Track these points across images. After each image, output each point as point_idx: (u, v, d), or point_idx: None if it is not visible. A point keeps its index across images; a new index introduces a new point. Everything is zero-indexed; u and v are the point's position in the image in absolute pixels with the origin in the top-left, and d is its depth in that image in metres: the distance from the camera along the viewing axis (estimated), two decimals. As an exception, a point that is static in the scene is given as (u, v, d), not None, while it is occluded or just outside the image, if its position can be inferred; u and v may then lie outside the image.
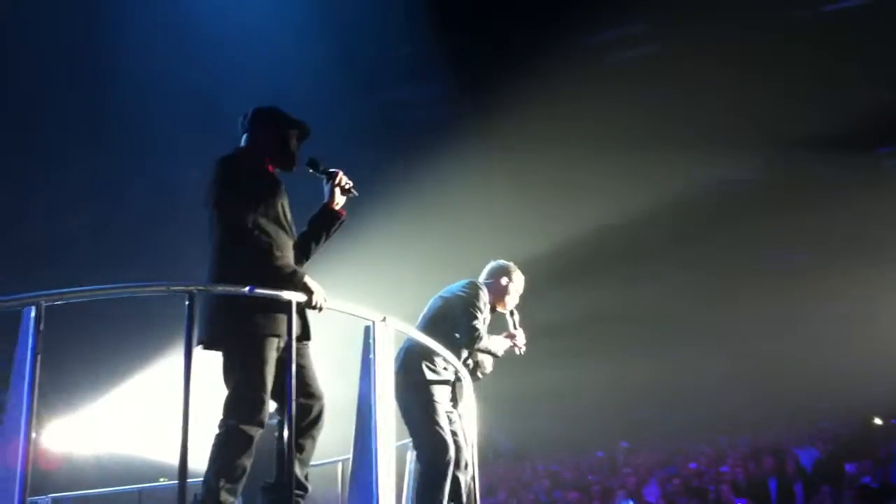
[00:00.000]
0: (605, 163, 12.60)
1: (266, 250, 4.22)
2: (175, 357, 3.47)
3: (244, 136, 4.58)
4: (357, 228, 4.90)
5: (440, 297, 6.11)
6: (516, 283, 6.32)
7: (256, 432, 4.06)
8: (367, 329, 4.54)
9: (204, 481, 4.02)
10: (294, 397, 4.04)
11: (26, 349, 3.02)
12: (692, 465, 13.86)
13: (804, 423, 15.56)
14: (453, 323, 5.92)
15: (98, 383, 13.46)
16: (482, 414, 6.41)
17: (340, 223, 4.64)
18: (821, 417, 15.64)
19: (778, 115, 11.90)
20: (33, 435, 2.99)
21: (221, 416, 4.08)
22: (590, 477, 14.83)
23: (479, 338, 5.89)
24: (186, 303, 3.55)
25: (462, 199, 12.98)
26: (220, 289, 4.03)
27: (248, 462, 4.03)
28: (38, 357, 3.01)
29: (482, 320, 5.96)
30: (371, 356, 4.48)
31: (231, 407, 4.07)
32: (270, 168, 4.51)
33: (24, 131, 11.74)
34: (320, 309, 4.31)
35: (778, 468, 12.27)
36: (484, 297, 6.03)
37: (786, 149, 12.53)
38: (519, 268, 6.38)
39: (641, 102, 11.97)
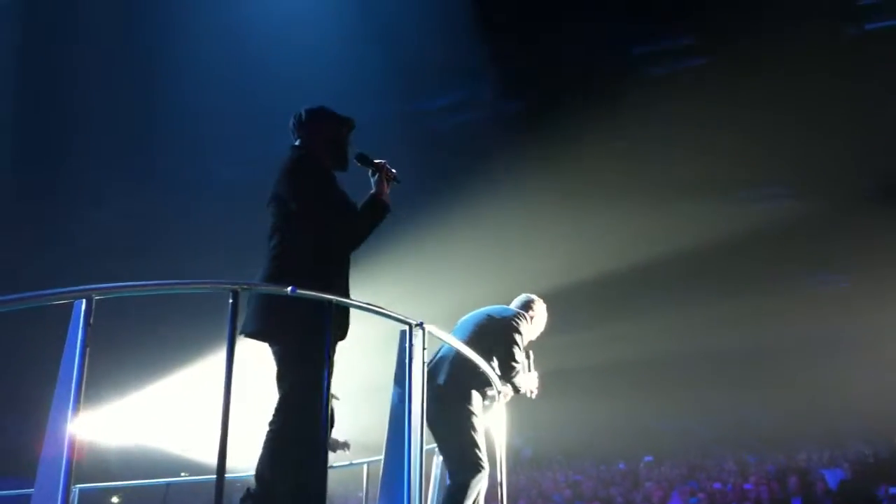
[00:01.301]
0: (651, 183, 12.54)
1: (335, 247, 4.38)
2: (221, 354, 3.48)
3: (297, 138, 4.66)
4: (396, 234, 4.93)
5: (488, 315, 6.12)
6: (540, 318, 6.36)
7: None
8: (402, 333, 4.55)
9: (257, 476, 4.10)
10: (329, 396, 4.06)
11: (75, 342, 3.04)
12: (716, 485, 13.75)
13: (832, 443, 15.42)
14: (495, 346, 5.92)
15: (142, 376, 13.58)
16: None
17: (386, 212, 4.69)
18: (848, 438, 15.49)
19: (821, 143, 11.77)
20: (79, 427, 3.02)
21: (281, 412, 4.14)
22: (611, 489, 14.75)
23: (515, 373, 5.97)
24: (230, 301, 3.56)
25: (503, 211, 12.95)
26: (264, 287, 4.07)
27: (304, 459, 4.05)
28: (87, 350, 3.04)
29: (520, 354, 6.02)
30: (406, 360, 4.49)
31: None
32: (326, 166, 4.59)
33: (73, 132, 11.91)
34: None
35: (803, 488, 12.17)
36: (527, 331, 6.09)
37: (827, 176, 12.41)
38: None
39: (687, 120, 11.89)
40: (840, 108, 11.29)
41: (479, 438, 5.75)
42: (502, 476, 5.83)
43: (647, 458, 16.52)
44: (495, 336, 5.97)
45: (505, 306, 6.26)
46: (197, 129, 12.08)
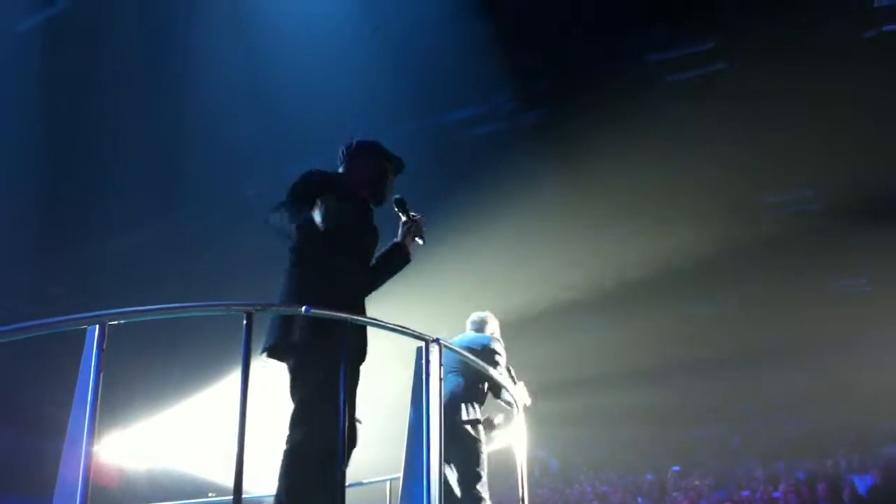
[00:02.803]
0: (672, 186, 12.48)
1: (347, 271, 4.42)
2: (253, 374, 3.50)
3: (343, 165, 4.73)
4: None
5: (467, 348, 6.40)
6: (495, 332, 6.86)
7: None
8: (419, 350, 4.57)
9: (276, 497, 4.11)
10: (346, 417, 4.06)
11: (89, 367, 3.08)
12: (745, 493, 13.65)
13: (861, 449, 15.26)
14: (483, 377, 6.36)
15: (161, 398, 13.66)
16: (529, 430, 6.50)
17: (406, 264, 4.79)
18: (878, 443, 15.32)
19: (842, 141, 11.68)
20: (94, 452, 3.05)
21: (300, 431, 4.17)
22: (639, 500, 14.68)
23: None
24: (244, 322, 3.59)
25: (521, 223, 12.95)
26: (277, 308, 4.11)
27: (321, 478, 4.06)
28: (101, 375, 3.08)
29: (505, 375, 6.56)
30: (423, 376, 4.51)
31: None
32: (363, 198, 4.63)
33: (93, 151, 12.04)
34: None
35: (833, 494, 12.05)
36: (502, 351, 6.69)
37: (851, 176, 12.30)
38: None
39: (708, 122, 11.83)
40: (861, 111, 11.24)
41: (484, 472, 6.19)
42: (524, 491, 5.86)
43: (675, 468, 16.42)
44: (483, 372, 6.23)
45: (473, 335, 6.78)
46: (218, 150, 12.18)
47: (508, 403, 6.52)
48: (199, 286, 11.99)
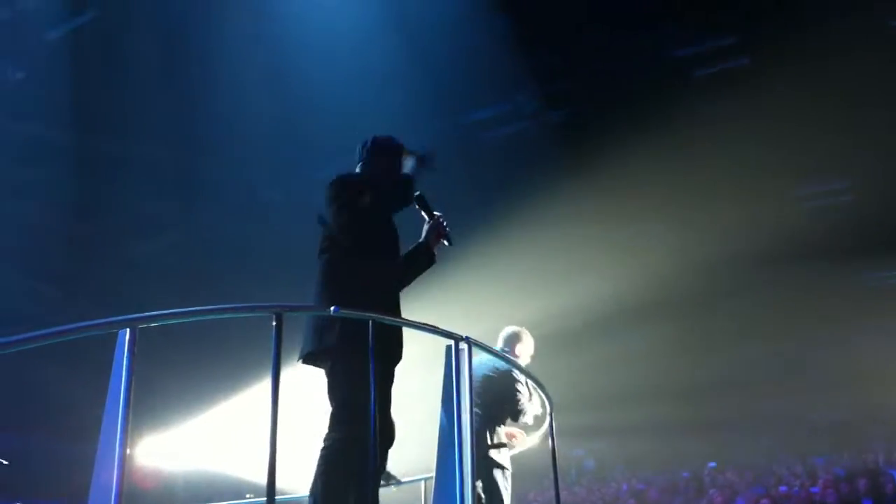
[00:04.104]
0: (701, 187, 12.39)
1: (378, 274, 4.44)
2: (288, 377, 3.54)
3: (361, 164, 4.75)
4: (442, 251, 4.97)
5: (488, 377, 6.61)
6: (527, 348, 6.87)
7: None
8: (448, 349, 4.57)
9: (310, 495, 4.14)
10: (376, 415, 4.06)
11: (121, 371, 3.11)
12: (782, 489, 13.51)
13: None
14: (505, 403, 6.63)
15: (196, 401, 13.77)
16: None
17: (431, 264, 4.79)
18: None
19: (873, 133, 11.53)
20: (127, 456, 3.07)
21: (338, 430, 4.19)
22: (676, 498, 14.59)
23: (525, 413, 6.66)
24: (274, 324, 3.61)
25: (546, 225, 12.90)
26: (307, 310, 4.13)
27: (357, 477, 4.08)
28: (133, 378, 3.11)
29: (525, 398, 6.66)
30: (453, 375, 4.50)
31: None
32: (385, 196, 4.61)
33: (118, 156, 12.16)
34: None
35: (874, 490, 11.89)
36: (522, 377, 6.65)
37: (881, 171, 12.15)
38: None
39: (734, 121, 11.71)
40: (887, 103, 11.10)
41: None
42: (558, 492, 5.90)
43: (711, 465, 16.31)
44: (502, 393, 6.59)
45: (491, 363, 6.70)
46: (242, 153, 12.25)
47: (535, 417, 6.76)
48: (223, 290, 12.05)
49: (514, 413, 6.62)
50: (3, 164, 11.79)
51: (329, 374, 4.33)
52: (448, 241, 4.80)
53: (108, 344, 3.20)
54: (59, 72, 11.08)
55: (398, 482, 6.88)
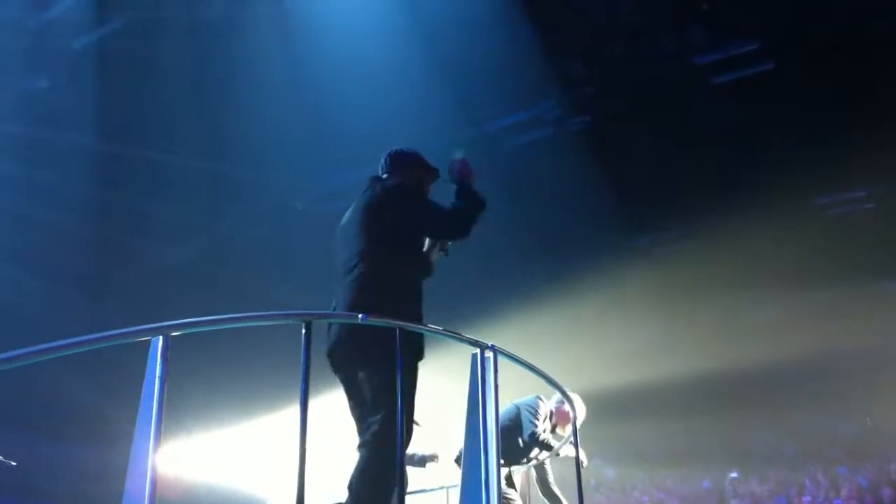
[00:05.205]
0: (731, 190, 12.33)
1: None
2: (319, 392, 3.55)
3: (384, 174, 4.87)
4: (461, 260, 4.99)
5: (515, 405, 7.50)
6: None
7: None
8: (474, 357, 4.57)
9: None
10: (403, 419, 4.09)
11: (153, 379, 3.13)
12: (806, 499, 13.40)
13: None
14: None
15: (221, 411, 13.81)
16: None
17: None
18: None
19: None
20: (159, 464, 3.09)
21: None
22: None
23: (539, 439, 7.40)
24: (303, 331, 3.62)
25: (567, 227, 12.90)
26: (335, 316, 4.23)
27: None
28: (165, 386, 3.13)
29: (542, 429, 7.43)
30: (479, 383, 4.51)
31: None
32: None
33: (145, 164, 12.26)
34: None
35: (897, 501, 11.80)
36: (543, 409, 7.53)
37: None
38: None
39: (756, 126, 11.67)
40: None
41: None
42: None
43: (733, 475, 16.19)
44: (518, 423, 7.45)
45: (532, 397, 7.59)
46: (268, 159, 12.32)
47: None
48: (250, 298, 12.11)
49: (537, 444, 7.38)
50: (29, 170, 11.92)
51: (367, 380, 4.36)
52: (444, 251, 4.84)
53: (127, 351, 3.22)
54: (86, 80, 11.19)
55: (435, 458, 7.08)
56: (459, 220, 4.64)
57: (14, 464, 10.17)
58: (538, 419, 7.45)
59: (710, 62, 11.33)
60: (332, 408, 4.96)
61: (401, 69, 11.00)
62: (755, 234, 12.82)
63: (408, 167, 4.84)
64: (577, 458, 6.14)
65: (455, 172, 4.78)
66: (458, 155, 4.83)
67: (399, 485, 4.04)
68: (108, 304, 13.33)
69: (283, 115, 11.44)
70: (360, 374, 4.38)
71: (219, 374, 12.76)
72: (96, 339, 3.05)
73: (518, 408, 7.52)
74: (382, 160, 4.90)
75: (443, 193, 4.77)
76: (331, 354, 4.46)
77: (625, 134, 12.17)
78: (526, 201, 12.47)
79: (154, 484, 3.04)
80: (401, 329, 4.13)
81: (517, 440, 7.37)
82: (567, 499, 7.52)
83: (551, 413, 7.67)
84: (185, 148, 12.00)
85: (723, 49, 11.16)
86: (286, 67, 11.10)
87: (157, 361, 3.13)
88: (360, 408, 4.42)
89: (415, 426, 4.40)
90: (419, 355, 4.43)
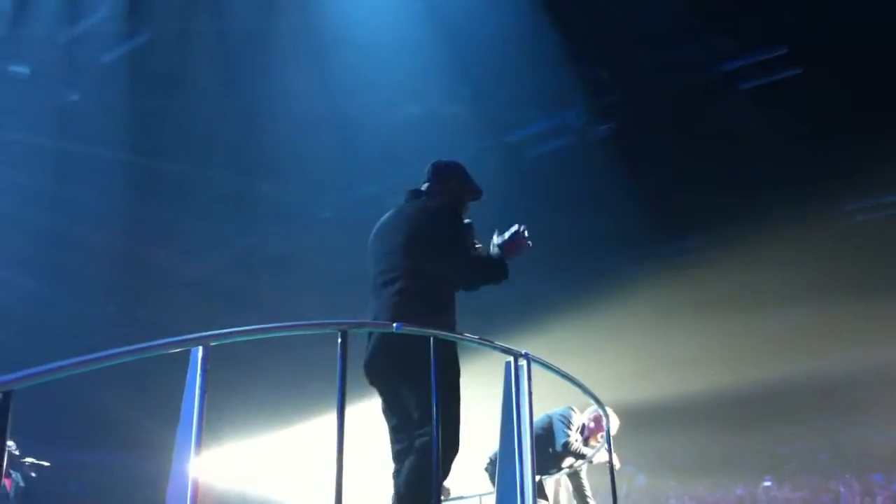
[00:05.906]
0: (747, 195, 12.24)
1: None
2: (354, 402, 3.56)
3: (427, 184, 4.86)
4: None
5: (547, 415, 7.74)
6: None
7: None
8: (507, 365, 4.56)
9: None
10: (438, 425, 4.06)
11: (194, 388, 3.15)
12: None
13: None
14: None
15: (256, 420, 13.86)
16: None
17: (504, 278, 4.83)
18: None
19: None
20: (200, 474, 3.10)
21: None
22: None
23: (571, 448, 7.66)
24: (339, 341, 3.63)
25: (593, 238, 12.85)
26: (371, 325, 4.26)
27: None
28: (206, 396, 3.14)
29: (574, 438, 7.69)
30: (513, 392, 4.50)
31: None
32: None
33: (173, 176, 12.35)
34: None
35: (934, 507, 11.66)
36: (576, 420, 7.79)
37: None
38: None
39: (782, 129, 11.59)
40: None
41: None
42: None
43: (766, 482, 16.06)
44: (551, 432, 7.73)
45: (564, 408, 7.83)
46: (296, 171, 12.37)
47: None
48: (279, 308, 12.15)
49: (569, 453, 7.63)
50: (58, 184, 12.04)
51: (408, 389, 4.36)
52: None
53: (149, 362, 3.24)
54: (115, 93, 11.29)
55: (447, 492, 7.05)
56: (475, 273, 4.65)
57: (47, 464, 10.31)
58: (570, 429, 7.63)
59: (737, 68, 11.26)
60: (364, 419, 4.97)
61: (427, 78, 11.03)
62: (785, 242, 12.69)
63: (450, 181, 4.84)
64: (610, 463, 6.15)
65: (508, 239, 4.73)
66: (522, 227, 4.76)
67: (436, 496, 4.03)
68: (138, 316, 13.43)
69: (311, 124, 11.48)
70: (403, 389, 4.38)
71: (248, 384, 12.81)
72: (138, 350, 3.07)
73: (550, 417, 7.68)
74: (426, 170, 4.90)
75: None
76: (368, 365, 4.45)
77: (651, 141, 12.10)
78: (554, 208, 12.42)
79: (196, 492, 3.05)
80: (443, 346, 4.14)
81: (548, 449, 7.52)
82: None
83: (584, 426, 7.74)
84: (212, 159, 12.08)
85: (750, 54, 11.08)
86: (313, 79, 11.14)
87: (196, 371, 3.15)
88: (398, 418, 4.43)
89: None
90: (459, 372, 4.44)
